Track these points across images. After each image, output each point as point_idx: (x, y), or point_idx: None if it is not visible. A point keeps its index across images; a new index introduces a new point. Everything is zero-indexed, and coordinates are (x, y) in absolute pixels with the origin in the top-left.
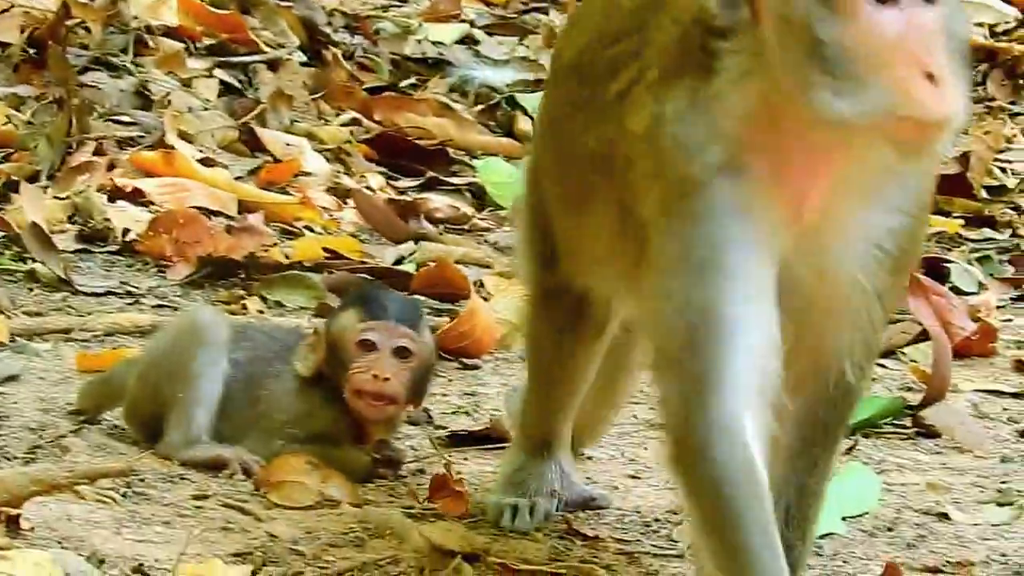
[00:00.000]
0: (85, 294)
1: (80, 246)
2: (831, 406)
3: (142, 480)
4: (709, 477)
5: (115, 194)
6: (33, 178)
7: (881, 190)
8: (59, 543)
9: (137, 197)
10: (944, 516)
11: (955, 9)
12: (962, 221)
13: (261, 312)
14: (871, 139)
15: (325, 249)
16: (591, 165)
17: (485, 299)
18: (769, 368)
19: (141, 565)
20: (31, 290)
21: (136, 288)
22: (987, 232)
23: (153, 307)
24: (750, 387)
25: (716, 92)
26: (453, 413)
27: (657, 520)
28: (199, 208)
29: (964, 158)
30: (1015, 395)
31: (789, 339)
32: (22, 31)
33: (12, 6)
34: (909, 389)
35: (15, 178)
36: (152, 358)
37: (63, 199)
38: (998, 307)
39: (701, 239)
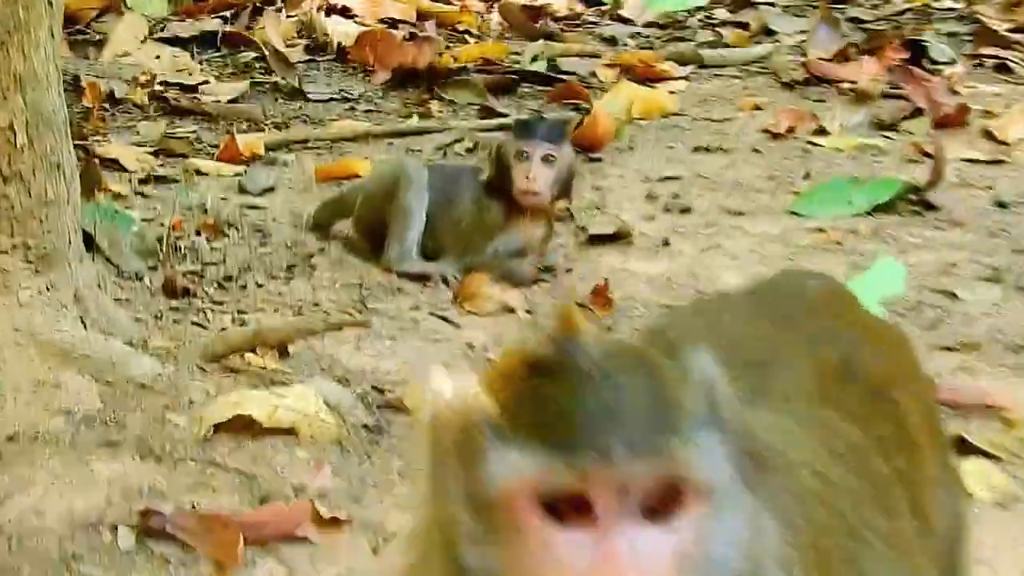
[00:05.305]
0: (314, 101)
1: (307, 57)
2: None
3: (372, 294)
4: None
5: (330, 11)
6: (271, 2)
7: None
8: (316, 361)
9: (346, 13)
10: (954, 295)
11: (721, 524)
12: None
13: (440, 112)
14: None
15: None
16: None
17: (603, 91)
18: None
19: (376, 382)
20: (276, 100)
21: (350, 94)
22: (948, 3)
23: (364, 111)
24: None
25: None
26: (587, 209)
27: None
28: (389, 19)
29: None
30: (987, 163)
31: None
32: None
33: None
34: (911, 161)
35: (259, 4)
36: (373, 190)
37: (293, 17)
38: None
39: None
